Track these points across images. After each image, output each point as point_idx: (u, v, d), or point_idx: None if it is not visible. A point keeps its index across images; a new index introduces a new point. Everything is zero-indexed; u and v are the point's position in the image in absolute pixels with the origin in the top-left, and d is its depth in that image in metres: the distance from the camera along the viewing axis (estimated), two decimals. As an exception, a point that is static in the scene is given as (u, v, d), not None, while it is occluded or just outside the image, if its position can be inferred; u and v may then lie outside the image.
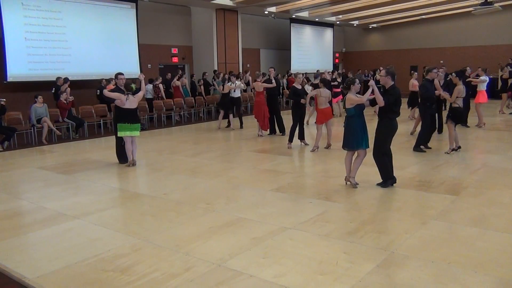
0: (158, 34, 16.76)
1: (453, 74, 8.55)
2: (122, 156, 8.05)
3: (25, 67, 12.54)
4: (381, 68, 16.38)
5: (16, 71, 12.32)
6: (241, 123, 12.56)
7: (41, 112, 10.82)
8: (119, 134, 7.70)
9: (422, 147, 8.62)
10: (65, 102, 11.54)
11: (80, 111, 12.24)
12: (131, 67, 14.32)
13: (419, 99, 8.90)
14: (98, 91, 12.59)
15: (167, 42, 17.14)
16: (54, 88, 12.03)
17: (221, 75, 16.40)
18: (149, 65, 16.29)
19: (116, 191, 6.50)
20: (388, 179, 6.11)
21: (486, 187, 6.11)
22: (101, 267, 3.87)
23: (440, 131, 10.14)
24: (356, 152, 6.17)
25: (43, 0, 12.88)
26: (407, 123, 12.41)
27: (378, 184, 6.15)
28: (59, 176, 7.42)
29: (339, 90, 13.93)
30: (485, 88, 11.77)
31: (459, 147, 8.41)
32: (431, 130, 8.88)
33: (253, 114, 11.26)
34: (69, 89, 12.23)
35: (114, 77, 8.17)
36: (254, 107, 11.07)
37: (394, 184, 6.15)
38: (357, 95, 6.08)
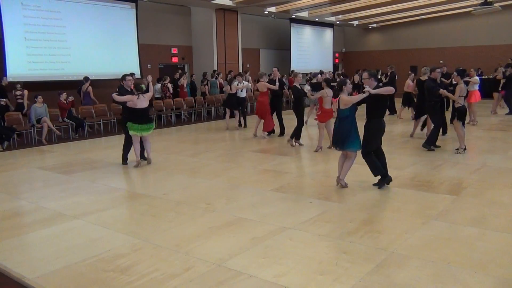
0: (158, 34, 16.75)
1: (454, 73, 8.59)
2: (126, 158, 8.12)
3: (25, 67, 12.53)
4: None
5: (16, 71, 12.31)
6: (245, 123, 12.61)
7: (40, 112, 10.82)
8: (131, 132, 7.69)
9: (431, 146, 8.65)
10: (64, 102, 11.55)
11: (80, 111, 12.24)
12: (131, 67, 14.30)
13: (427, 99, 8.84)
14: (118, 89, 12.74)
15: (167, 42, 17.13)
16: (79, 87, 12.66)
17: (221, 74, 16.44)
18: (149, 65, 16.28)
19: (116, 191, 6.50)
20: (382, 176, 6.06)
21: (486, 187, 6.11)
22: (101, 267, 3.87)
23: (444, 132, 10.06)
24: (347, 153, 6.12)
25: (43, 0, 12.87)
26: (407, 123, 12.42)
27: (374, 184, 6.13)
28: (59, 176, 7.42)
29: None
30: (477, 88, 11.91)
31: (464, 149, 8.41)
32: (439, 129, 8.83)
33: (255, 114, 11.10)
34: (90, 87, 12.65)
35: (121, 78, 8.14)
36: (257, 107, 10.92)
37: (390, 183, 6.12)
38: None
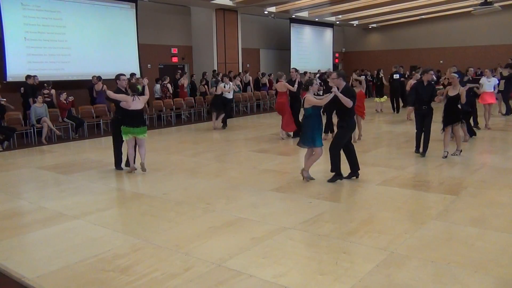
0: (158, 34, 16.76)
1: (453, 74, 8.53)
2: (120, 161, 7.73)
3: (25, 67, 12.52)
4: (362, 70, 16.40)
5: (16, 71, 12.32)
6: (226, 124, 12.72)
7: (40, 112, 10.82)
8: (124, 137, 7.27)
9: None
10: (64, 102, 11.55)
11: (79, 111, 12.25)
12: (131, 67, 14.33)
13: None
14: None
15: (167, 42, 17.13)
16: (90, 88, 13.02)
17: (220, 74, 16.45)
18: (149, 65, 16.29)
19: (116, 191, 6.50)
20: (337, 174, 6.41)
21: (486, 187, 6.12)
22: (101, 267, 3.87)
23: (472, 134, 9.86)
24: (313, 150, 6.43)
25: (43, 0, 12.88)
26: (406, 123, 12.42)
27: (328, 181, 6.42)
28: (59, 176, 7.42)
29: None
30: (492, 90, 11.67)
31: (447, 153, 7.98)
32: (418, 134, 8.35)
33: (279, 113, 10.79)
34: (105, 86, 12.60)
35: (115, 77, 7.75)
36: (277, 108, 10.69)
37: (341, 179, 6.45)
38: (315, 96, 6.44)
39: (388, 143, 9.74)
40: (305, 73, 15.33)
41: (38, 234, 4.76)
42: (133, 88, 7.38)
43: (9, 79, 12.23)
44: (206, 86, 16.02)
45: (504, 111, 14.16)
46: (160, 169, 7.67)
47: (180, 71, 16.74)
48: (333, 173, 6.46)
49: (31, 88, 11.56)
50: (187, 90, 15.54)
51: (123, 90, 7.52)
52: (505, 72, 13.84)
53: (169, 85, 14.70)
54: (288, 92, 10.47)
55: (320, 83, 12.37)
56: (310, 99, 6.20)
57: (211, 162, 8.22)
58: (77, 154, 9.39)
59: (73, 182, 6.98)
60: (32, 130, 10.78)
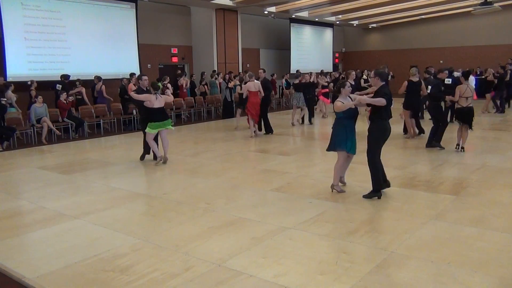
0: (158, 34, 16.75)
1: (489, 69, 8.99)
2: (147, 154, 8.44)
3: (25, 67, 12.53)
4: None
5: (16, 71, 12.31)
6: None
7: (40, 112, 10.82)
8: (151, 131, 7.78)
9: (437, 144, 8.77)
10: (64, 102, 11.54)
11: (79, 111, 12.24)
12: (131, 67, 14.31)
13: (430, 100, 9.09)
14: (120, 89, 13.14)
15: (167, 42, 17.12)
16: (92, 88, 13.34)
17: (220, 74, 16.44)
18: (149, 65, 16.27)
19: (116, 191, 6.49)
20: (376, 191, 5.65)
21: (486, 187, 6.11)
22: (100, 267, 3.87)
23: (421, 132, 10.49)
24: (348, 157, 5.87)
25: (43, 0, 12.87)
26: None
27: (364, 196, 5.66)
28: (59, 176, 7.42)
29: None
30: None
31: (458, 145, 8.58)
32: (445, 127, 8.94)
33: (248, 113, 10.95)
34: (103, 86, 13.04)
35: (137, 78, 8.42)
36: (252, 107, 10.77)
37: (379, 198, 5.65)
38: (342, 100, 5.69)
39: (388, 142, 9.69)
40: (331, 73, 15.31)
41: (38, 234, 4.76)
42: (154, 86, 7.89)
43: (9, 79, 12.20)
44: (205, 86, 16.02)
45: (487, 109, 14.59)
46: (160, 169, 7.68)
47: (180, 71, 16.74)
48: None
49: (67, 86, 12.24)
50: (186, 90, 15.53)
51: (145, 89, 8.02)
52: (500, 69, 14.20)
53: (169, 85, 14.69)
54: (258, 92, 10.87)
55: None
56: (336, 104, 5.62)
57: (211, 162, 8.22)
58: (77, 154, 9.39)
59: (73, 182, 6.98)
60: (32, 130, 10.77)
